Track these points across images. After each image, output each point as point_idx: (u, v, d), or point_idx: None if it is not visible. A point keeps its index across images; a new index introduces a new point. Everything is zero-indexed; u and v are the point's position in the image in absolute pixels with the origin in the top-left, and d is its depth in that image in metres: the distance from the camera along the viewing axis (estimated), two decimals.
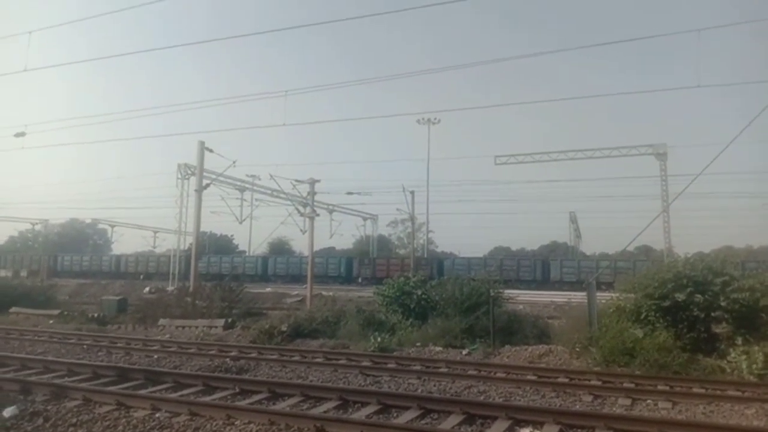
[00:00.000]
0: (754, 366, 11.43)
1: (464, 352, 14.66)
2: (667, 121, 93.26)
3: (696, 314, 13.57)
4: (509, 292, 19.22)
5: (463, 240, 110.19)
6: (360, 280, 50.15)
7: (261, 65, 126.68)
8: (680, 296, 13.59)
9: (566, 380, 11.25)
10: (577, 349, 13.80)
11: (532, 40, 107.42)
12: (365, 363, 13.13)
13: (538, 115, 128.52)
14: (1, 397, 9.34)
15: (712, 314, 13.69)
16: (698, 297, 13.53)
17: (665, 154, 40.06)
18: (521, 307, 21.73)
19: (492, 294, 16.95)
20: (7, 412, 8.35)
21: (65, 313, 23.27)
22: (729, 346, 12.70)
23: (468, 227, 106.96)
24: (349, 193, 48.67)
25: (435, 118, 53.61)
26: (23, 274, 53.85)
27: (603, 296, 17.00)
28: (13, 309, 24.11)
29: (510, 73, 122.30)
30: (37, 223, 70.95)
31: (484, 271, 27.10)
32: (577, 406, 9.48)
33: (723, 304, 13.49)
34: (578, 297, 21.73)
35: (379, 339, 15.25)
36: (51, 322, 21.74)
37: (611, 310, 14.88)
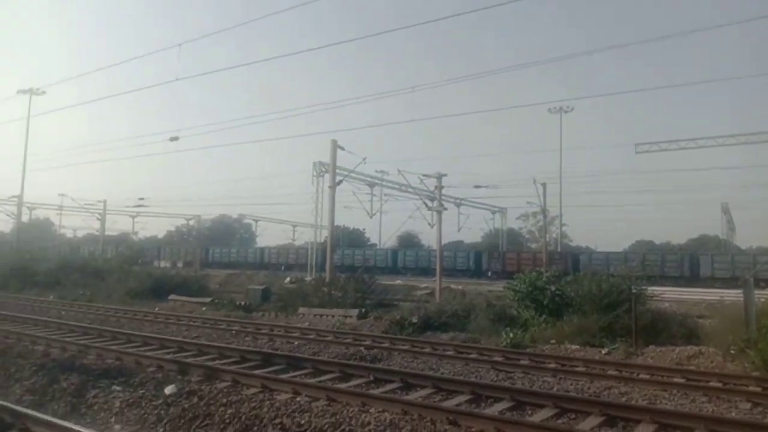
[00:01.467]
0: None
1: (603, 351, 13.94)
2: None
3: None
4: (653, 289, 17.97)
5: (599, 234, 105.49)
6: (489, 273, 49.54)
7: (390, 62, 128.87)
8: None
9: (719, 385, 10.33)
10: (732, 352, 12.60)
11: (678, 17, 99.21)
12: (497, 358, 12.94)
13: (683, 99, 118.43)
14: (163, 376, 10.38)
15: None
16: None
17: None
18: (667, 305, 20.25)
19: (634, 291, 15.98)
20: (168, 389, 9.24)
21: (216, 300, 25.27)
22: None
23: (605, 220, 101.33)
24: (477, 187, 48.05)
25: (567, 107, 51.57)
26: (179, 264, 59.28)
27: (762, 294, 15.40)
28: (171, 296, 26.63)
29: (650, 54, 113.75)
30: (190, 219, 77.73)
31: (624, 267, 25.52)
32: (733, 414, 8.67)
33: None
34: (732, 295, 19.89)
35: (511, 335, 14.97)
36: (204, 309, 23.73)
37: None
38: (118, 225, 68.14)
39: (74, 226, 75.80)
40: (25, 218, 56.99)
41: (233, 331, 17.20)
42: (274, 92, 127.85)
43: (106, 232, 61.45)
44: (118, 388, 9.40)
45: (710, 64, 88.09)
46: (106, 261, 41.89)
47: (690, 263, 43.82)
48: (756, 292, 14.20)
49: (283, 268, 57.19)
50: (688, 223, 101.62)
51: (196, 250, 64.69)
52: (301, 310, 22.00)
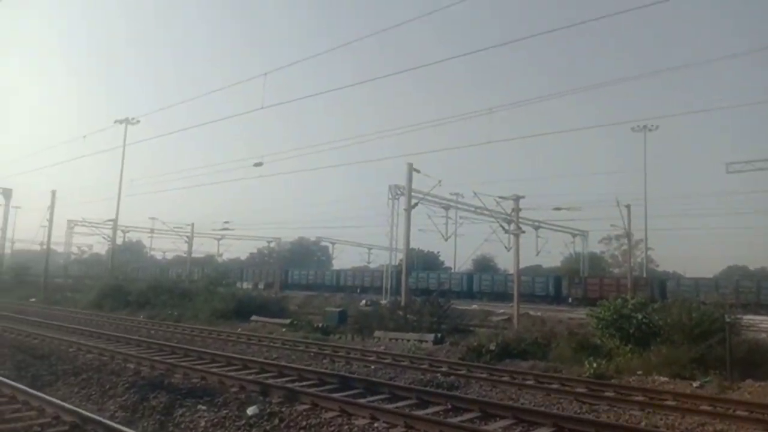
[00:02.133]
0: None
1: (695, 384, 13.15)
2: None
3: None
4: (749, 318, 16.85)
5: (688, 259, 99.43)
6: (570, 300, 47.94)
7: (468, 84, 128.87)
8: None
9: None
10: None
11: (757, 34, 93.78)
12: (580, 389, 12.47)
13: None
14: (246, 397, 10.69)
15: None
16: None
17: None
18: (765, 335, 18.88)
19: (728, 320, 15.02)
20: (251, 410, 9.50)
21: (295, 322, 25.80)
22: None
23: (694, 244, 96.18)
24: (557, 209, 46.80)
25: (652, 125, 49.65)
26: (260, 286, 61.11)
27: None
28: (253, 317, 27.44)
29: (735, 71, 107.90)
30: (271, 241, 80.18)
31: (715, 294, 24.09)
32: None
33: None
34: None
35: (594, 364, 14.40)
36: (283, 330, 24.28)
37: None
38: (204, 247, 71.14)
39: (164, 248, 79.86)
40: (119, 241, 60.55)
41: (311, 353, 17.49)
42: (353, 117, 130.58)
43: (193, 254, 64.29)
44: (203, 407, 9.76)
45: None
46: (193, 282, 43.73)
47: None
48: None
49: (358, 290, 57.72)
50: None
51: (276, 271, 66.40)
52: (377, 333, 22.10)
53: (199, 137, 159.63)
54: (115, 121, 51.07)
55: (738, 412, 10.44)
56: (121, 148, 50.23)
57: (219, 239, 69.06)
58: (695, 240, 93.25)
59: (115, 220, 52.68)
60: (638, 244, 55.85)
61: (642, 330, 16.76)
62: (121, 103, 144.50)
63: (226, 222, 63.34)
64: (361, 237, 73.19)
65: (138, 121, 50.93)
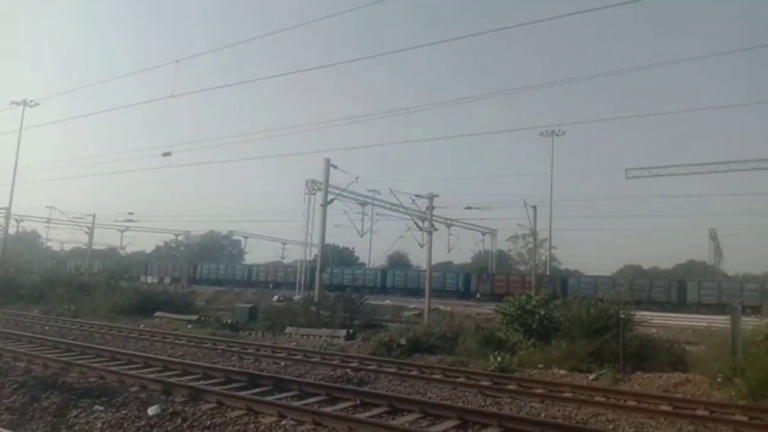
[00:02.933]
0: None
1: (591, 376, 13.93)
2: None
3: None
4: (641, 315, 18.01)
5: (588, 258, 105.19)
6: (478, 295, 49.46)
7: (383, 84, 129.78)
8: None
9: (706, 413, 10.34)
10: (719, 380, 12.63)
11: (662, 49, 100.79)
12: (485, 382, 12.88)
13: (674, 126, 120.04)
14: (147, 396, 10.22)
15: None
16: None
17: None
18: (654, 330, 20.27)
19: (622, 316, 16.00)
20: (152, 410, 9.09)
21: (202, 318, 25.01)
22: None
23: (595, 244, 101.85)
24: (468, 208, 48.21)
25: (559, 130, 51.98)
26: (167, 281, 58.80)
27: (749, 322, 15.47)
28: (158, 313, 26.34)
29: (639, 82, 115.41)
30: (179, 235, 77.41)
31: (612, 291, 25.56)
32: None
33: None
34: (719, 321, 19.94)
35: (499, 358, 14.91)
36: (189, 326, 23.46)
37: (760, 338, 13.47)
38: (106, 239, 67.48)
39: (62, 239, 74.87)
40: (12, 230, 56.43)
41: (219, 350, 17.01)
42: (268, 110, 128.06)
43: (95, 246, 60.89)
44: (101, 408, 9.24)
45: (703, 93, 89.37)
46: (93, 276, 41.39)
47: (677, 289, 43.97)
48: (743, 319, 14.27)
49: (271, 286, 56.82)
50: (676, 249, 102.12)
51: (184, 266, 64.14)
52: (289, 329, 21.82)
53: (103, 124, 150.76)
54: (12, 103, 47.51)
55: (628, 402, 11.14)
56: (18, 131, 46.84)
57: (123, 231, 65.89)
58: (596, 240, 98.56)
59: (8, 209, 49.06)
60: (543, 243, 58.36)
61: (544, 325, 17.54)
62: (21, 86, 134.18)
63: (130, 213, 60.50)
64: (275, 231, 72.23)
65: (37, 104, 47.62)
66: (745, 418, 9.99)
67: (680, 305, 41.61)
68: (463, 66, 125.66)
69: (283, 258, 68.62)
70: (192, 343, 18.40)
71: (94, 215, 57.89)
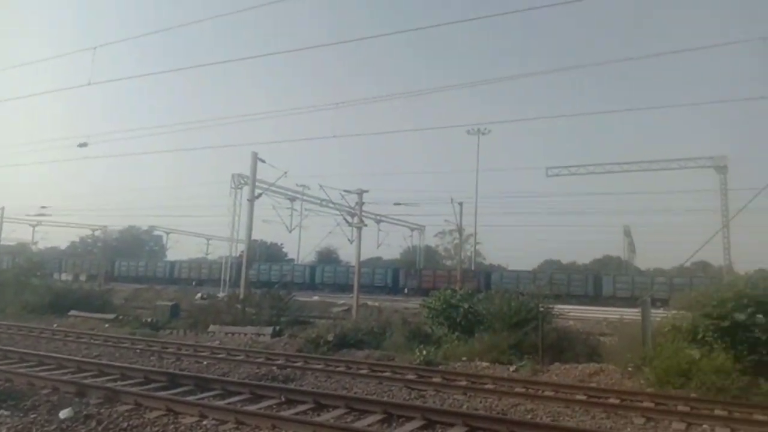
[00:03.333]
0: None
1: (511, 368, 14.37)
2: (729, 133, 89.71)
3: (758, 336, 12.91)
4: (559, 308, 18.76)
5: (511, 253, 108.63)
6: (406, 290, 50.11)
7: (314, 78, 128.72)
8: (740, 316, 12.98)
9: (617, 401, 10.89)
10: (630, 369, 13.35)
11: (585, 50, 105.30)
12: (410, 376, 13.04)
13: (592, 126, 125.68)
14: (59, 399, 9.71)
15: None
16: (760, 318, 12.89)
17: (725, 167, 38.61)
18: (571, 323, 21.18)
19: (541, 309, 16.60)
20: (63, 413, 8.64)
21: (120, 317, 24.01)
22: None
23: (517, 240, 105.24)
24: (397, 204, 48.76)
25: (485, 129, 53.30)
26: (82, 278, 56.03)
27: (658, 314, 16.40)
28: (72, 312, 25.05)
29: (559, 84, 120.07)
30: (96, 229, 73.81)
31: (533, 285, 26.52)
32: (629, 429, 9.16)
33: None
34: (631, 314, 21.03)
35: (424, 352, 15.13)
36: (107, 326, 22.47)
37: (666, 329, 14.32)
38: (16, 234, 63.40)
39: None
40: None
41: (137, 350, 16.38)
42: (193, 101, 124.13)
43: (2, 242, 57.11)
44: (6, 412, 8.70)
45: (620, 95, 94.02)
46: (1, 272, 38.87)
47: (593, 283, 46.20)
48: (652, 311, 15.12)
49: (194, 283, 55.35)
50: (593, 244, 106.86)
51: (101, 262, 61.36)
52: (212, 328, 21.29)
53: (13, 112, 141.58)
54: None
55: (546, 393, 11.57)
56: None
57: (34, 225, 62.17)
58: (519, 236, 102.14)
59: None
60: (468, 238, 59.88)
61: (468, 319, 17.98)
62: None
63: (43, 207, 57.13)
64: (199, 227, 70.16)
65: None
66: (652, 405, 10.59)
67: (596, 298, 43.75)
68: (396, 63, 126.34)
69: (207, 254, 66.77)
70: (109, 343, 17.62)
71: (2, 208, 54.34)
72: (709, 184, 40.45)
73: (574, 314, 25.18)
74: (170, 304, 26.75)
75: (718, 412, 10.19)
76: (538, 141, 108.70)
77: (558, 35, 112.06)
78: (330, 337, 17.40)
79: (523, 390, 11.85)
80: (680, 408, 10.34)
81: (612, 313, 27.58)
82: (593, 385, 12.60)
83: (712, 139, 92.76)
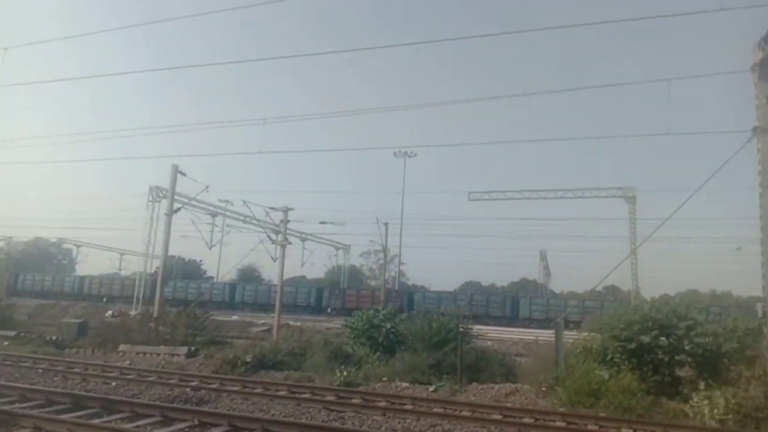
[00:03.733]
0: (716, 411, 11.52)
1: (431, 388, 14.49)
2: (639, 165, 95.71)
3: (660, 357, 13.67)
4: (478, 328, 19.18)
5: (434, 273, 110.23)
6: (329, 310, 49.65)
7: (241, 92, 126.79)
8: (645, 339, 13.71)
9: (531, 421, 11.19)
10: (544, 389, 13.77)
11: (510, 81, 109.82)
12: (330, 397, 12.88)
13: (513, 153, 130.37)
14: None
15: (676, 357, 13.80)
16: (663, 340, 13.66)
17: (634, 197, 40.95)
18: (489, 343, 21.69)
19: (461, 330, 16.88)
20: None
21: (22, 334, 22.48)
22: (692, 391, 12.76)
23: (440, 261, 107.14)
24: (323, 223, 48.45)
25: (411, 152, 54.15)
26: None
27: (571, 335, 17.06)
28: None
29: (484, 112, 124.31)
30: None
31: (454, 306, 27.03)
32: None
33: (687, 348, 13.65)
34: (546, 335, 21.80)
35: (345, 373, 15.02)
36: (7, 343, 20.96)
37: (578, 351, 14.93)
38: None
39: None
40: None
41: (40, 370, 15.34)
42: (113, 111, 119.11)
43: None
44: None
45: (546, 124, 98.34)
46: None
47: (511, 304, 47.46)
48: (565, 333, 15.72)
49: (105, 300, 52.59)
50: (512, 267, 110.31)
51: (3, 275, 57.25)
52: (123, 347, 20.27)
53: None
54: None
55: (463, 413, 11.73)
56: None
57: None
58: (442, 257, 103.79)
59: None
60: (393, 258, 60.28)
61: (390, 339, 18.05)
62: None
63: None
64: (113, 241, 66.94)
65: None
66: (563, 424, 10.96)
67: (513, 320, 44.98)
68: (323, 81, 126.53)
69: (120, 270, 63.76)
70: (8, 362, 16.41)
71: None
72: (619, 212, 42.80)
73: (492, 335, 25.81)
74: (77, 321, 25.33)
75: (624, 430, 10.66)
76: (463, 166, 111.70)
77: (489, 63, 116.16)
78: (248, 358, 16.96)
79: (442, 410, 11.96)
80: (590, 427, 10.76)
81: (528, 334, 28.50)
82: (509, 404, 12.89)
83: (630, 170, 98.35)
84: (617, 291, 55.79)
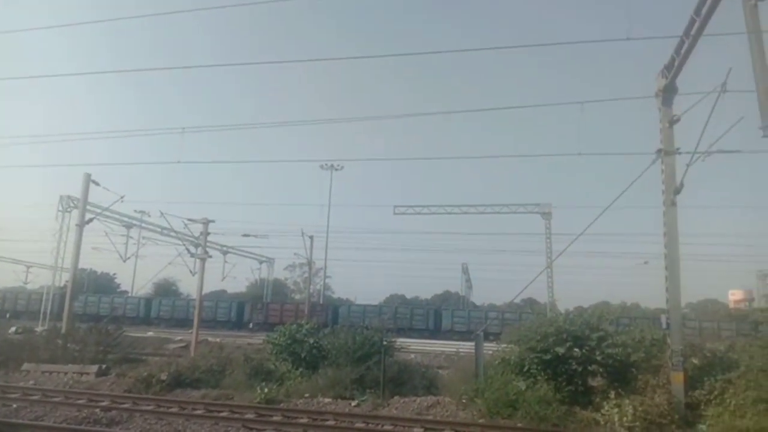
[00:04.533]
0: (625, 419, 12.10)
1: (353, 403, 14.41)
2: (554, 183, 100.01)
3: (574, 368, 14.21)
4: (402, 341, 19.28)
5: (360, 287, 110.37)
6: (251, 325, 48.53)
7: (159, 100, 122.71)
8: (560, 350, 14.22)
9: None
10: (464, 401, 14.00)
11: (433, 98, 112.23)
12: (249, 415, 12.57)
13: (438, 169, 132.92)
14: None
15: (589, 368, 14.41)
16: (576, 351, 14.22)
17: (550, 213, 42.74)
18: (413, 356, 21.85)
19: (385, 343, 16.91)
20: None
21: None
22: (603, 399, 13.35)
23: (366, 274, 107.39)
24: (245, 235, 47.40)
25: (338, 165, 54.13)
26: None
27: (491, 347, 17.45)
28: None
29: (413, 127, 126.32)
30: None
31: (378, 319, 27.08)
32: None
33: (598, 358, 14.27)
34: (467, 347, 22.21)
35: (266, 390, 14.71)
36: None
37: (497, 362, 15.28)
38: None
39: None
40: None
41: None
42: (24, 116, 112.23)
43: None
44: None
45: (467, 141, 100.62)
46: None
47: (434, 317, 48.11)
48: (486, 345, 16.07)
49: (8, 315, 49.17)
50: (435, 280, 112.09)
51: None
52: (27, 366, 18.97)
53: None
54: None
55: (385, 427, 11.76)
56: None
57: None
58: (367, 270, 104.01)
59: None
60: (318, 272, 59.85)
61: (313, 354, 17.83)
62: None
63: None
64: (19, 253, 62.68)
65: None
66: None
67: (436, 332, 45.58)
68: (245, 90, 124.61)
69: (26, 283, 59.76)
70: None
71: None
72: (537, 228, 44.62)
73: (415, 347, 26.04)
74: None
75: None
76: (389, 180, 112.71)
77: (419, 80, 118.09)
78: (163, 376, 16.29)
79: (363, 425, 11.93)
80: None
81: (450, 346, 28.96)
82: (430, 417, 13.02)
83: (548, 187, 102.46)
84: (535, 303, 57.68)
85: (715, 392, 13.08)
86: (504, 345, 16.31)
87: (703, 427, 12.30)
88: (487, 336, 22.51)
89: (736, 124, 11.33)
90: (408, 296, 75.28)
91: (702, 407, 12.88)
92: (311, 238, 45.67)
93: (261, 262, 60.77)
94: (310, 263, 47.21)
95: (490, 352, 16.46)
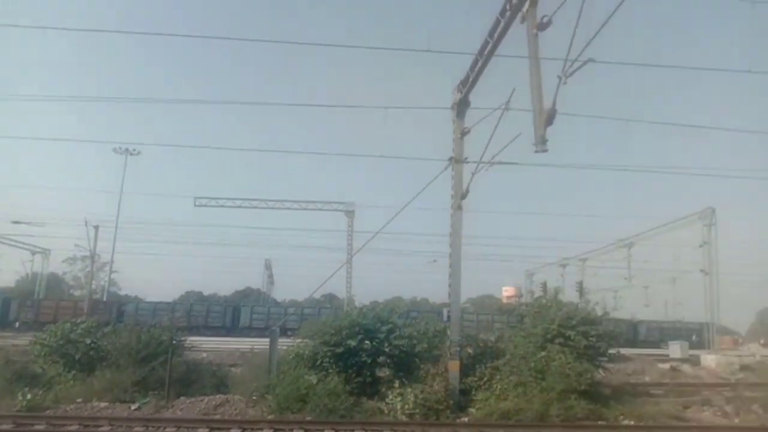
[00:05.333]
0: (406, 406, 12.90)
1: (133, 406, 13.40)
2: (360, 182, 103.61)
3: (364, 359, 14.82)
4: (195, 340, 18.41)
5: (153, 283, 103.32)
6: (17, 324, 42.74)
7: None
8: (352, 342, 14.74)
9: (239, 431, 11.08)
10: (254, 398, 13.80)
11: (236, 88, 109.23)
12: (6, 426, 11.00)
13: (245, 161, 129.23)
14: None
15: (378, 360, 15.14)
16: (367, 343, 14.85)
17: (353, 211, 44.26)
18: (205, 355, 20.95)
19: (174, 342, 16.00)
20: None
21: None
22: (388, 389, 14.10)
23: (160, 269, 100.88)
24: (16, 222, 41.73)
25: (135, 149, 49.92)
26: None
27: (288, 343, 17.43)
28: None
29: (220, 115, 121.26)
30: None
31: (169, 318, 25.54)
32: None
33: (387, 350, 15.06)
34: (264, 343, 21.95)
35: (29, 396, 13.06)
36: None
37: (291, 357, 15.33)
38: None
39: None
40: None
41: None
42: None
43: None
44: None
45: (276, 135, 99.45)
46: None
47: (232, 314, 46.86)
48: (284, 340, 16.03)
49: None
50: (237, 276, 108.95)
51: None
52: None
53: None
54: None
55: (168, 429, 11.10)
56: None
57: None
58: (162, 265, 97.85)
59: None
60: (104, 266, 54.96)
61: (89, 355, 16.26)
62: None
63: None
64: None
65: None
66: (271, 431, 11.08)
67: (233, 329, 44.43)
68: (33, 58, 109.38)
69: None
70: None
71: None
72: (340, 225, 45.87)
73: (208, 346, 25.01)
74: None
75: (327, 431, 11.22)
76: (189, 169, 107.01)
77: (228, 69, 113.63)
78: None
79: (143, 429, 11.16)
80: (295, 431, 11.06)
81: (246, 343, 28.35)
82: (217, 416, 12.64)
83: (353, 186, 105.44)
84: (334, 298, 59.27)
85: (485, 378, 14.57)
86: (299, 340, 16.42)
87: (472, 410, 13.60)
88: (286, 332, 22.53)
89: (515, 139, 12.60)
90: (206, 293, 72.38)
91: (473, 392, 14.24)
92: (96, 227, 41.62)
93: (34, 254, 54.00)
94: (92, 256, 42.97)
95: (286, 347, 16.44)
